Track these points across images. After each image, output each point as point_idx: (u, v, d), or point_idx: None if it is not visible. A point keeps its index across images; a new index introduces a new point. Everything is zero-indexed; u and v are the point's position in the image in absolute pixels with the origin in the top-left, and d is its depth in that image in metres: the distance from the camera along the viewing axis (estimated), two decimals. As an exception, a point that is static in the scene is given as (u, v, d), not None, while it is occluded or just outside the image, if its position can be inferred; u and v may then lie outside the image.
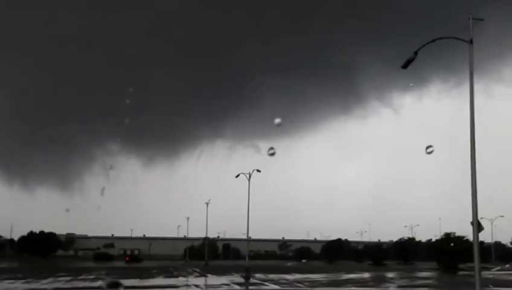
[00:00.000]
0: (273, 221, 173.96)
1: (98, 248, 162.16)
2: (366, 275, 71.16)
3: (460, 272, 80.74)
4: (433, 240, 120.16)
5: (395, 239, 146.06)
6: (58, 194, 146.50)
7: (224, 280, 55.66)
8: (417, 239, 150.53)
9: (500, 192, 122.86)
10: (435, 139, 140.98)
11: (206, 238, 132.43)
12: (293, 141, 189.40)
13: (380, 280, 59.25)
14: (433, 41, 24.39)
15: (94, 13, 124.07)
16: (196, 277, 62.63)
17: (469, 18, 23.82)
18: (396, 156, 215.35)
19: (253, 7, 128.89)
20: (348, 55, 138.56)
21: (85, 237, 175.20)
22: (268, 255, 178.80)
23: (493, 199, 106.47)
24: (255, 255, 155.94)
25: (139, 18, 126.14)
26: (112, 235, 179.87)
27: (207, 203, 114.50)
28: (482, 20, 24.10)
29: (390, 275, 72.39)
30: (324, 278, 63.01)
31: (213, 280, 57.26)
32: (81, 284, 47.56)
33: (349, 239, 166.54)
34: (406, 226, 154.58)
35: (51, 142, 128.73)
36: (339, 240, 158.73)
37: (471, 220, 23.55)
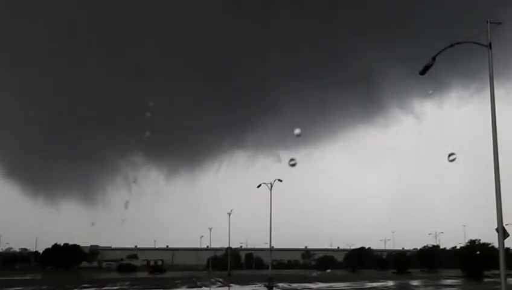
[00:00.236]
0: (296, 230, 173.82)
1: (121, 259, 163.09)
2: (390, 283, 70.57)
3: (486, 279, 79.68)
4: (458, 247, 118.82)
5: (419, 247, 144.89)
6: (82, 206, 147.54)
7: (247, 289, 55.61)
8: (441, 247, 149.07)
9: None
10: (457, 145, 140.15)
11: (228, 248, 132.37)
12: (314, 150, 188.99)
13: (405, 288, 58.75)
14: (452, 46, 24.12)
15: (118, 27, 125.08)
16: (219, 286, 62.66)
17: (487, 22, 23.52)
18: (419, 163, 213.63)
19: (271, 17, 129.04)
20: (368, 63, 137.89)
21: (109, 249, 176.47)
22: (291, 265, 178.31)
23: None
24: (278, 265, 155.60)
25: (159, 31, 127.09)
26: (136, 246, 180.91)
27: (229, 214, 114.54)
28: (500, 23, 23.75)
29: (414, 283, 71.70)
30: (348, 287, 62.58)
31: (236, 289, 57.24)
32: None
33: (373, 247, 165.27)
34: (430, 234, 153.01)
35: (75, 154, 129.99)
36: (362, 248, 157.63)
37: (496, 226, 23.28)
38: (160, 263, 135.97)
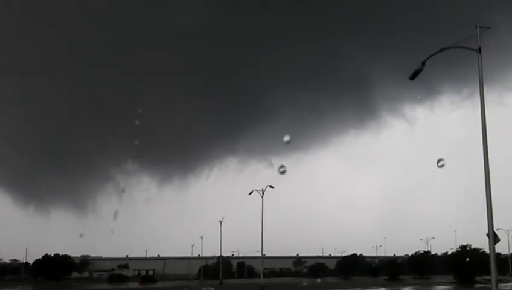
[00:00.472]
0: (287, 238, 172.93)
1: (112, 269, 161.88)
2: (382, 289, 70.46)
3: (477, 285, 79.73)
4: (449, 253, 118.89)
5: (410, 253, 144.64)
6: (73, 215, 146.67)
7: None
8: (433, 252, 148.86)
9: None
10: (448, 150, 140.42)
11: (220, 257, 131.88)
12: (305, 156, 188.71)
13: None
14: (441, 50, 24.13)
15: (117, 29, 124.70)
16: (211, 296, 62.27)
17: (476, 26, 23.53)
18: (410, 168, 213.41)
19: (263, 20, 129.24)
20: (360, 67, 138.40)
21: (99, 259, 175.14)
22: (283, 273, 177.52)
23: (509, 209, 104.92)
24: (270, 273, 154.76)
25: (153, 36, 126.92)
26: (127, 256, 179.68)
27: (220, 221, 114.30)
28: (489, 28, 23.76)
29: (406, 289, 71.61)
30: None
31: (228, 298, 56.92)
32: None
33: (364, 254, 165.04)
34: (421, 240, 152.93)
35: (65, 161, 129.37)
36: (354, 255, 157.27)
37: (486, 231, 23.21)
38: (151, 272, 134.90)
